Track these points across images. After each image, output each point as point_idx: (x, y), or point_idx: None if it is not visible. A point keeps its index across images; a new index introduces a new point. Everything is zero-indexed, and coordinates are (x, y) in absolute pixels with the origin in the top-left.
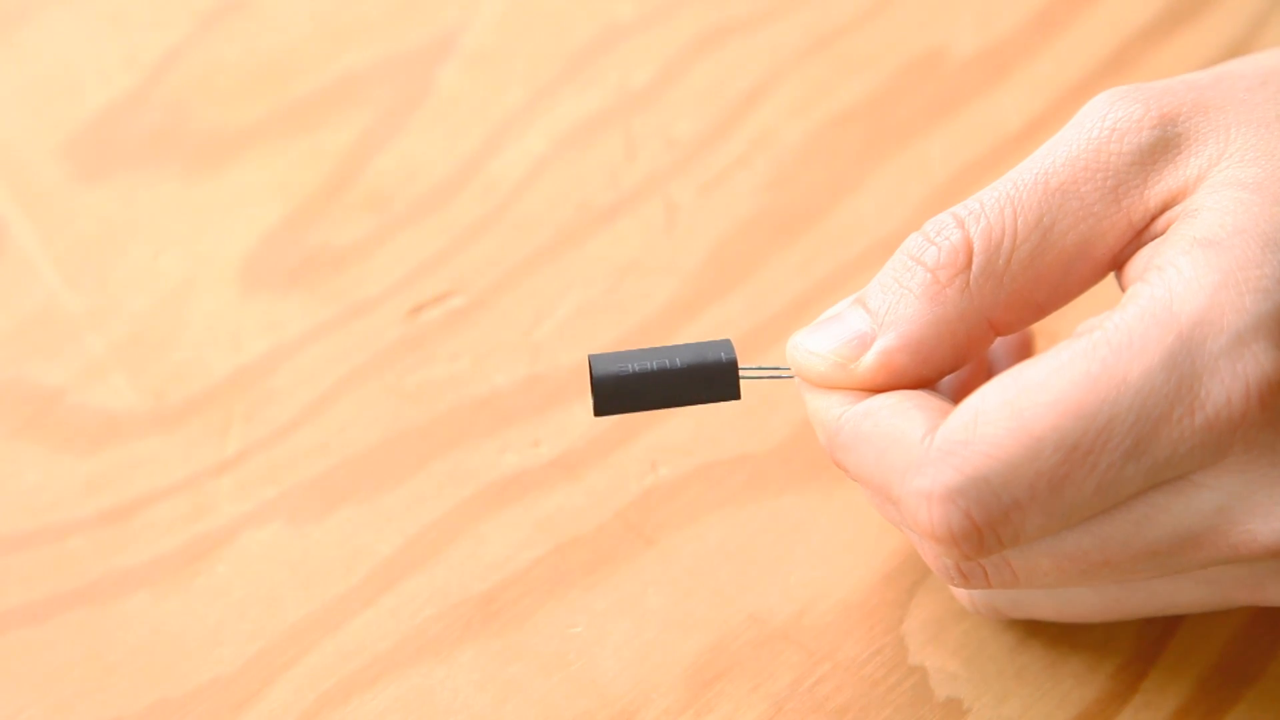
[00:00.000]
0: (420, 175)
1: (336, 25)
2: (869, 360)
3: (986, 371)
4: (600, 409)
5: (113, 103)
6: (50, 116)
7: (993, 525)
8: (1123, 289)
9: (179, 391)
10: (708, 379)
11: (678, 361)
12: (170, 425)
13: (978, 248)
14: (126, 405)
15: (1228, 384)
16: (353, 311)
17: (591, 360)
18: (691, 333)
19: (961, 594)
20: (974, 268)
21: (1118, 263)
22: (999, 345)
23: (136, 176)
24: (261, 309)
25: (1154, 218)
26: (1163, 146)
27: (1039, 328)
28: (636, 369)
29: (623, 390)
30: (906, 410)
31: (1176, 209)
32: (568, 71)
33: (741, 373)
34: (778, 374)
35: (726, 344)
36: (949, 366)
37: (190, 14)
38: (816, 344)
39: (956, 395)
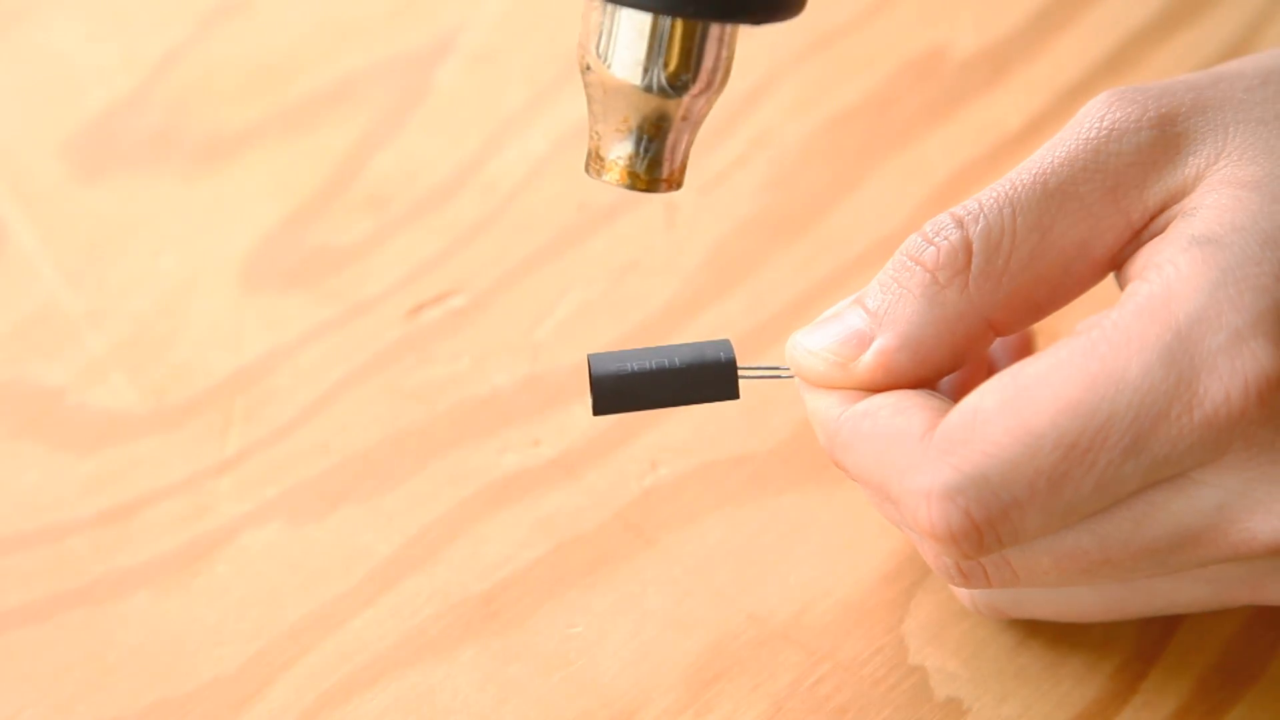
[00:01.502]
0: (420, 175)
1: (336, 25)
2: (868, 360)
3: (987, 371)
4: (599, 408)
5: (113, 103)
6: (50, 116)
7: (992, 523)
8: (1122, 288)
9: (179, 391)
10: (707, 379)
11: (677, 361)
12: (170, 425)
13: (977, 248)
14: (126, 405)
15: (1226, 381)
16: (353, 311)
17: (590, 360)
18: (691, 332)
19: (962, 593)
20: (973, 268)
21: (1117, 263)
22: (999, 345)
23: (136, 176)
24: (261, 309)
25: (1153, 217)
26: (1161, 146)
27: (1039, 327)
28: (635, 368)
29: (622, 390)
30: (906, 410)
31: (1175, 208)
32: (568, 71)
33: (740, 372)
34: (777, 374)
35: (725, 344)
36: (948, 366)
37: (190, 14)
38: (816, 343)
39: (956, 395)
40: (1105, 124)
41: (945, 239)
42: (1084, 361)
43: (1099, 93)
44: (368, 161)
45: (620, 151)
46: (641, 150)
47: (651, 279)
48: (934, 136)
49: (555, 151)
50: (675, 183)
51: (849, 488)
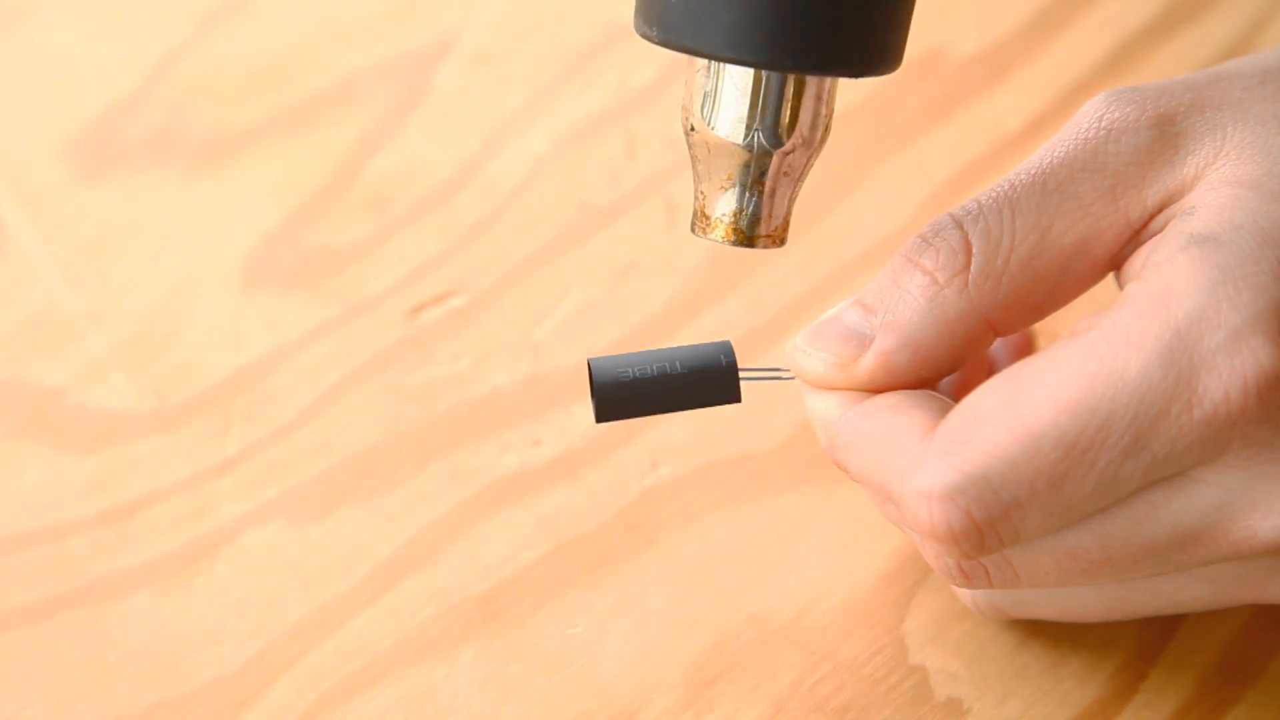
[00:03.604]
0: (420, 175)
1: (336, 25)
2: (868, 361)
3: (988, 371)
4: (601, 417)
5: (113, 103)
6: (50, 116)
7: (993, 523)
8: (1121, 288)
9: (179, 391)
10: (708, 382)
11: (678, 365)
12: (170, 425)
13: (976, 249)
14: (126, 405)
15: (1225, 380)
16: (353, 311)
17: (591, 365)
18: (691, 332)
19: (964, 594)
20: (972, 268)
21: (1116, 263)
22: (999, 345)
23: (136, 176)
24: (261, 309)
25: (1152, 217)
26: (1160, 146)
27: (1039, 327)
28: (636, 375)
29: (623, 397)
30: (906, 410)
31: (1174, 207)
32: (568, 71)
33: (741, 375)
34: (777, 375)
35: (726, 346)
36: (948, 367)
37: (190, 14)
38: (816, 345)
39: (957, 395)
40: (1104, 124)
41: (944, 240)
42: (1083, 361)
43: (1099, 93)
44: (368, 161)
45: (724, 209)
46: (745, 206)
47: (651, 279)
48: (934, 136)
49: (555, 151)
50: (779, 238)
51: (849, 488)
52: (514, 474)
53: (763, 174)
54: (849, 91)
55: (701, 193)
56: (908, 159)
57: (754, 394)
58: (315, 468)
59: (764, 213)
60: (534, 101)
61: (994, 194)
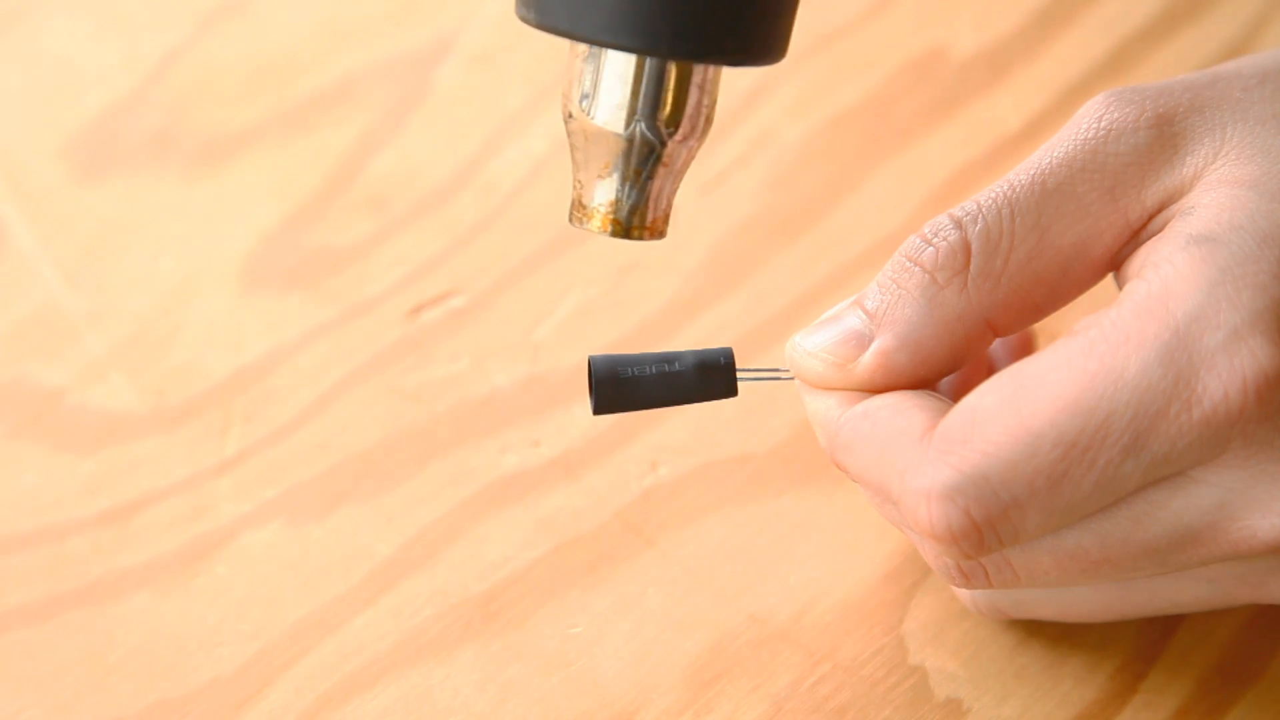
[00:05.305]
0: (420, 175)
1: (336, 25)
2: (867, 361)
3: (987, 371)
4: (600, 406)
5: (113, 103)
6: (50, 116)
7: (992, 523)
8: (1120, 288)
9: (179, 391)
10: (706, 382)
11: (677, 366)
12: (170, 425)
13: (976, 249)
14: (126, 405)
15: (1224, 379)
16: (353, 311)
17: (591, 361)
18: (691, 332)
19: (964, 594)
20: (972, 269)
21: (1116, 263)
22: (999, 345)
23: (136, 177)
24: (261, 309)
25: (1151, 217)
26: (1159, 146)
27: (1039, 327)
28: (636, 373)
29: (622, 390)
30: (905, 410)
31: (1173, 207)
32: None
33: (740, 375)
34: (777, 376)
35: (726, 350)
36: (947, 367)
37: (190, 14)
38: (815, 345)
39: (956, 395)
40: (1103, 124)
41: (944, 240)
42: (1083, 360)
43: (1099, 93)
44: (368, 161)
45: (602, 199)
46: (624, 197)
47: (651, 279)
48: (934, 136)
49: (555, 151)
50: (658, 231)
51: (849, 488)
52: (514, 474)
53: (642, 164)
54: (849, 91)
55: (579, 181)
56: (908, 159)
57: (754, 394)
58: (315, 468)
59: (642, 203)
60: (534, 101)
61: (993, 194)
